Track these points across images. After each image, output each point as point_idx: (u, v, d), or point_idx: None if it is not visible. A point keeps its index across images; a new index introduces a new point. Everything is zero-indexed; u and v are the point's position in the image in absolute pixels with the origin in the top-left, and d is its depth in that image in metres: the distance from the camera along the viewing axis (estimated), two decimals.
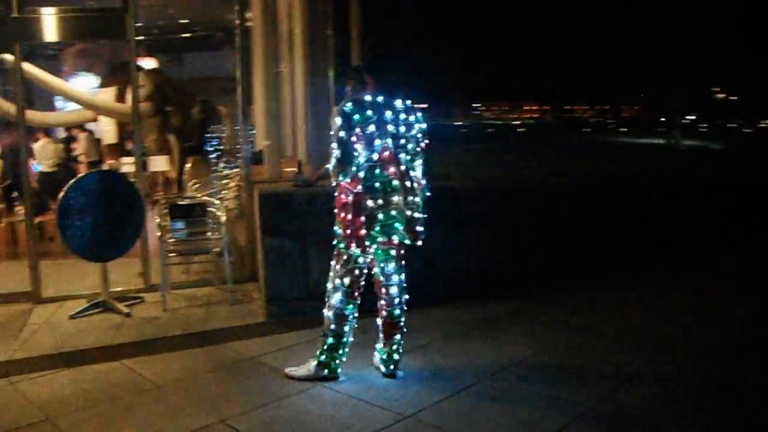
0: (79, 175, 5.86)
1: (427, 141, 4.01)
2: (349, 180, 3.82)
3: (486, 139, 34.56)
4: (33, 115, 11.55)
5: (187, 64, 16.16)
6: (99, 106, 9.68)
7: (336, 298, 3.99)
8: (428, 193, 4.03)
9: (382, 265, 4.06)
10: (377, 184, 3.82)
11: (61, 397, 3.89)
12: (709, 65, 61.16)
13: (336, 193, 3.94)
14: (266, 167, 6.65)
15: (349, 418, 3.56)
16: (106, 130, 11.50)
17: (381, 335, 4.13)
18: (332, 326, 4.01)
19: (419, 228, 3.85)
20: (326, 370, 4.03)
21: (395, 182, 3.82)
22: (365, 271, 4.02)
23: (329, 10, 6.68)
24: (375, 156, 3.81)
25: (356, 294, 4.01)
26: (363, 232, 3.80)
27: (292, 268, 5.43)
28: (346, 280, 3.96)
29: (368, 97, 3.87)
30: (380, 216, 3.82)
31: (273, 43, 7.32)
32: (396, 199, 3.83)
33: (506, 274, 6.08)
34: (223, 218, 6.13)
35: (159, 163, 11.25)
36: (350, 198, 3.83)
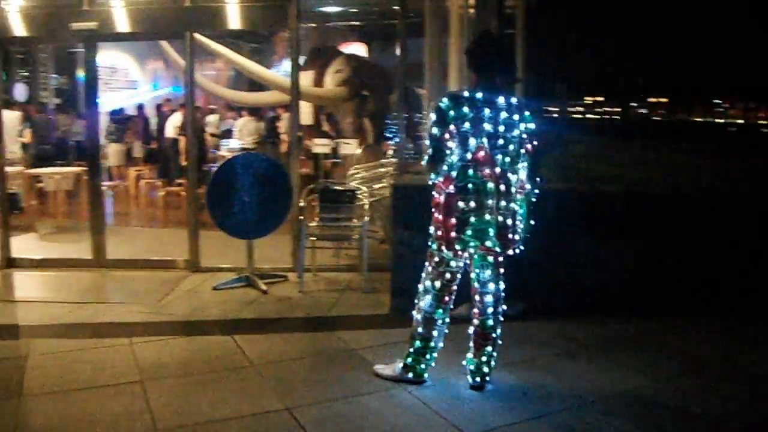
0: (229, 156, 6.22)
1: (534, 142, 3.63)
2: (441, 179, 3.57)
3: (721, 141, 30.78)
4: (233, 95, 12.68)
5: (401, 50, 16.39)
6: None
7: (426, 301, 3.78)
8: (534, 199, 3.66)
9: (477, 271, 3.74)
10: (470, 185, 3.52)
11: (161, 363, 4.14)
12: None
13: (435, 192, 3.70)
14: None
15: (408, 427, 3.33)
16: (304, 111, 12.17)
17: (472, 345, 3.80)
18: (420, 329, 3.80)
19: (512, 236, 3.52)
20: (411, 374, 3.82)
21: (490, 185, 3.50)
22: (459, 275, 3.73)
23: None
24: (469, 155, 3.51)
25: (447, 299, 3.75)
26: (453, 234, 3.53)
27: (420, 263, 5.24)
28: (437, 284, 3.73)
29: (466, 93, 3.57)
30: (473, 219, 3.52)
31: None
32: (490, 202, 3.51)
33: (647, 292, 5.28)
34: (366, 206, 6.12)
35: (349, 147, 11.63)
36: (442, 198, 3.58)
